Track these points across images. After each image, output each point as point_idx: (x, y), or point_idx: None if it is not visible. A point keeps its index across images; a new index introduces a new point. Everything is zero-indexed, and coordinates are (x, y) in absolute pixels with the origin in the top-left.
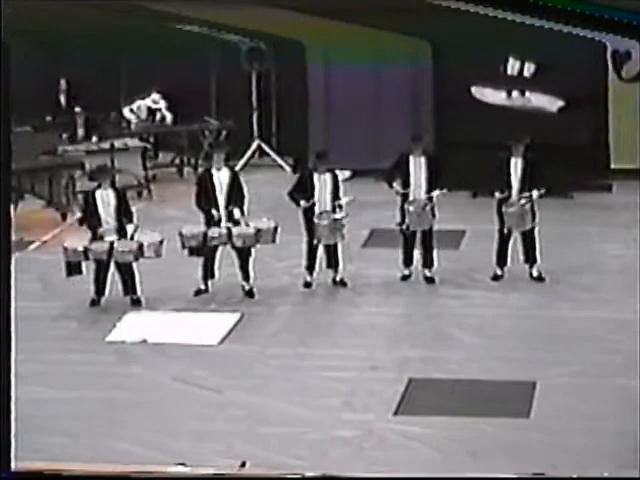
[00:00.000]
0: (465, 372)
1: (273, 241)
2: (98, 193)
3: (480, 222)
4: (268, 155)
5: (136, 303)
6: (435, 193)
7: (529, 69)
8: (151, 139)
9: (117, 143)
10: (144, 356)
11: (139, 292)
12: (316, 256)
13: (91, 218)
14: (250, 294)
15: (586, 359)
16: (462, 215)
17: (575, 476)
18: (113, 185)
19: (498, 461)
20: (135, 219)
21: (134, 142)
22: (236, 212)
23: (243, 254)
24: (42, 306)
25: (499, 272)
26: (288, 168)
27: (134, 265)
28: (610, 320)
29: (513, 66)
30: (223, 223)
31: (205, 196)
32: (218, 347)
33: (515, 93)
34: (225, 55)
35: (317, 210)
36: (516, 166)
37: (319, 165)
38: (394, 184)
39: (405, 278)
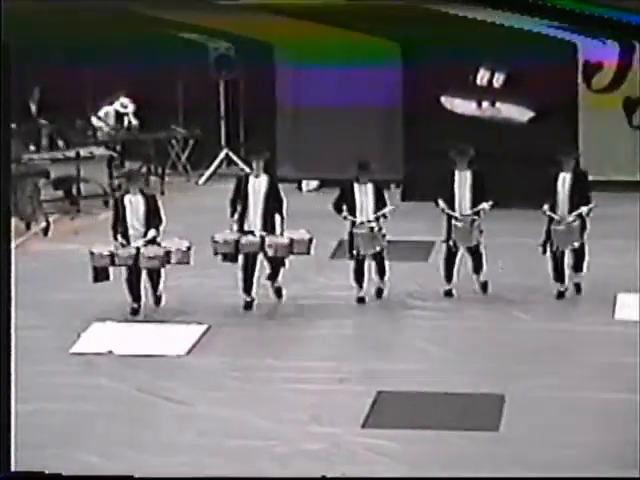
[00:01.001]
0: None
1: (308, 252)
2: (127, 198)
3: None
4: (236, 164)
5: (157, 302)
6: (483, 206)
7: (498, 80)
8: (117, 147)
9: (83, 151)
10: (110, 368)
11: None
12: (363, 268)
13: (119, 223)
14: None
15: (559, 372)
16: (431, 225)
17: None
18: (142, 191)
19: (468, 474)
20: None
21: (100, 150)
22: (277, 219)
23: (275, 264)
24: None
25: (562, 289)
26: None
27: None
28: (584, 332)
29: (483, 76)
30: (257, 231)
31: (238, 201)
32: (185, 358)
33: (485, 103)
34: (192, 62)
35: (357, 220)
36: (564, 181)
37: (361, 176)
38: (439, 201)
39: (448, 294)
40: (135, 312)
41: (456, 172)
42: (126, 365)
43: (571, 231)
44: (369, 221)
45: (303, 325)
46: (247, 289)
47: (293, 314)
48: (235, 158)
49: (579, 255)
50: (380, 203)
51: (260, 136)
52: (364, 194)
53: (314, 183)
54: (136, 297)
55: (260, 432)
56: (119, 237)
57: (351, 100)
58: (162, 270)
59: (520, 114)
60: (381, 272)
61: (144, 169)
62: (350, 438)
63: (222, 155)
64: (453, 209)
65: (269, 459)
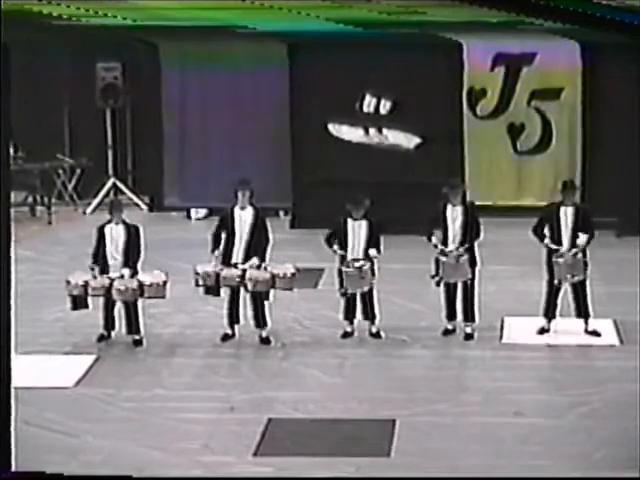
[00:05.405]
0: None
1: (291, 289)
2: (107, 228)
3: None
4: (124, 193)
5: (138, 344)
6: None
7: (385, 106)
8: None
9: None
10: None
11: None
12: (355, 305)
13: (98, 253)
14: (267, 341)
15: (449, 398)
16: (320, 253)
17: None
18: (124, 221)
19: None
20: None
21: None
22: (256, 255)
23: (257, 299)
24: None
25: (547, 326)
26: (144, 206)
27: (138, 304)
28: (469, 358)
29: (369, 103)
30: (240, 264)
31: (223, 234)
32: (73, 390)
33: (372, 130)
34: (78, 91)
35: (349, 257)
36: (566, 214)
37: (354, 211)
38: (433, 238)
39: (447, 332)
40: (102, 339)
41: (448, 207)
42: (12, 398)
43: (574, 264)
44: (355, 259)
45: (192, 354)
46: (230, 322)
47: (181, 344)
48: (122, 187)
49: (582, 297)
50: (371, 241)
51: (149, 164)
52: (357, 231)
53: (203, 211)
54: (107, 326)
55: (149, 462)
56: (95, 267)
57: (239, 127)
58: (138, 302)
59: (407, 140)
60: (371, 311)
61: (30, 199)
62: (241, 467)
63: (109, 184)
64: (445, 244)
65: None
